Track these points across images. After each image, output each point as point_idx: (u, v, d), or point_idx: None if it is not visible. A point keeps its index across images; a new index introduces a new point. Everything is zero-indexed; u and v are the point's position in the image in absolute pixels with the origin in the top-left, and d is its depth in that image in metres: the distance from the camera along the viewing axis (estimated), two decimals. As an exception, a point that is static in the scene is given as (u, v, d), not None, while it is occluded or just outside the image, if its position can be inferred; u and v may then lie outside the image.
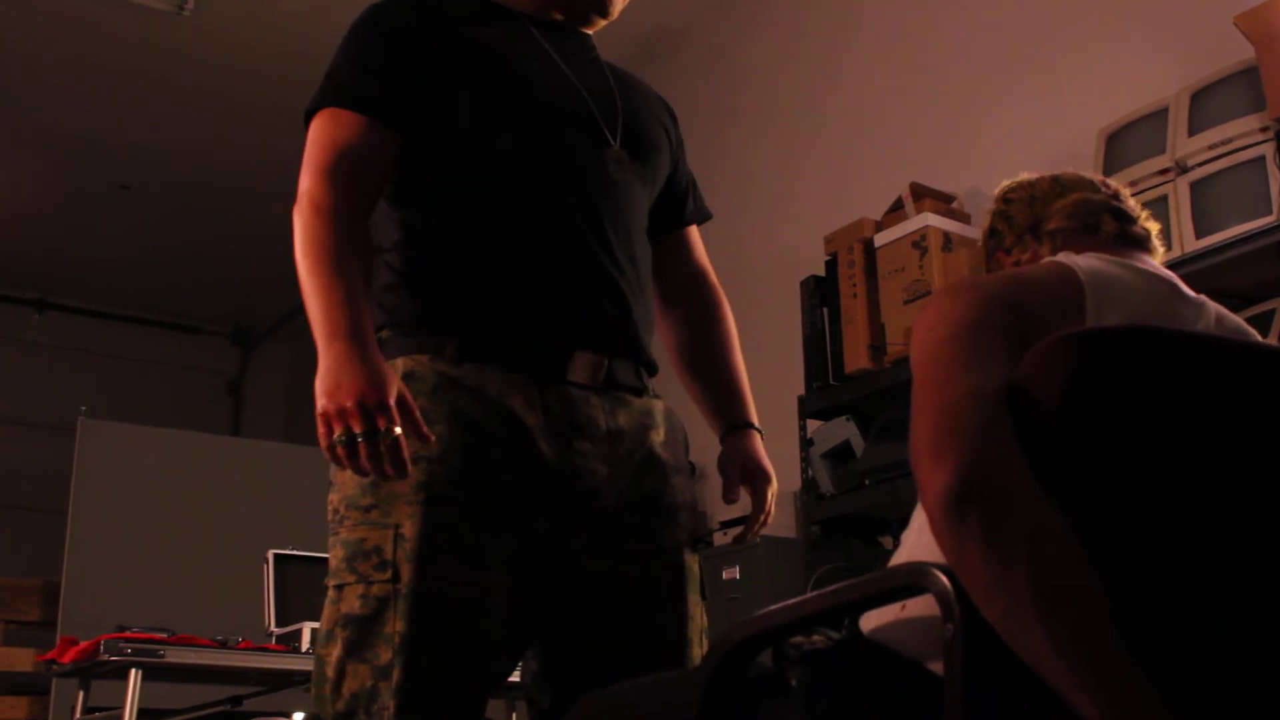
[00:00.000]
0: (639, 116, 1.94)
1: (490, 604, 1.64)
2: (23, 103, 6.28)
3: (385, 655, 1.60)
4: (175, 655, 3.34)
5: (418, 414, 1.58)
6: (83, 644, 3.44)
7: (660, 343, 1.99)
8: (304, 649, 3.52)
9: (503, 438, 1.69)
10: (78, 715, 3.70)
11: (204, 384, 9.31)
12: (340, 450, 1.54)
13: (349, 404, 1.53)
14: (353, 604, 1.64)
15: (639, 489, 1.78)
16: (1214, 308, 1.46)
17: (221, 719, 3.98)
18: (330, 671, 1.64)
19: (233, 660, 3.48)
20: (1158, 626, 1.16)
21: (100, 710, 3.65)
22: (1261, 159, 2.85)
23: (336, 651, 1.64)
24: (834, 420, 3.87)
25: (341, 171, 1.72)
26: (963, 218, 3.81)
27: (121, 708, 3.29)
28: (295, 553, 3.88)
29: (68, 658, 3.51)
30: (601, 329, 1.79)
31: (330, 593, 1.68)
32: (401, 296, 1.78)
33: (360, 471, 1.56)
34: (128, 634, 3.37)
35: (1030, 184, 1.68)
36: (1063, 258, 1.41)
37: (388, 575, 1.61)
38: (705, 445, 2.04)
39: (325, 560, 3.57)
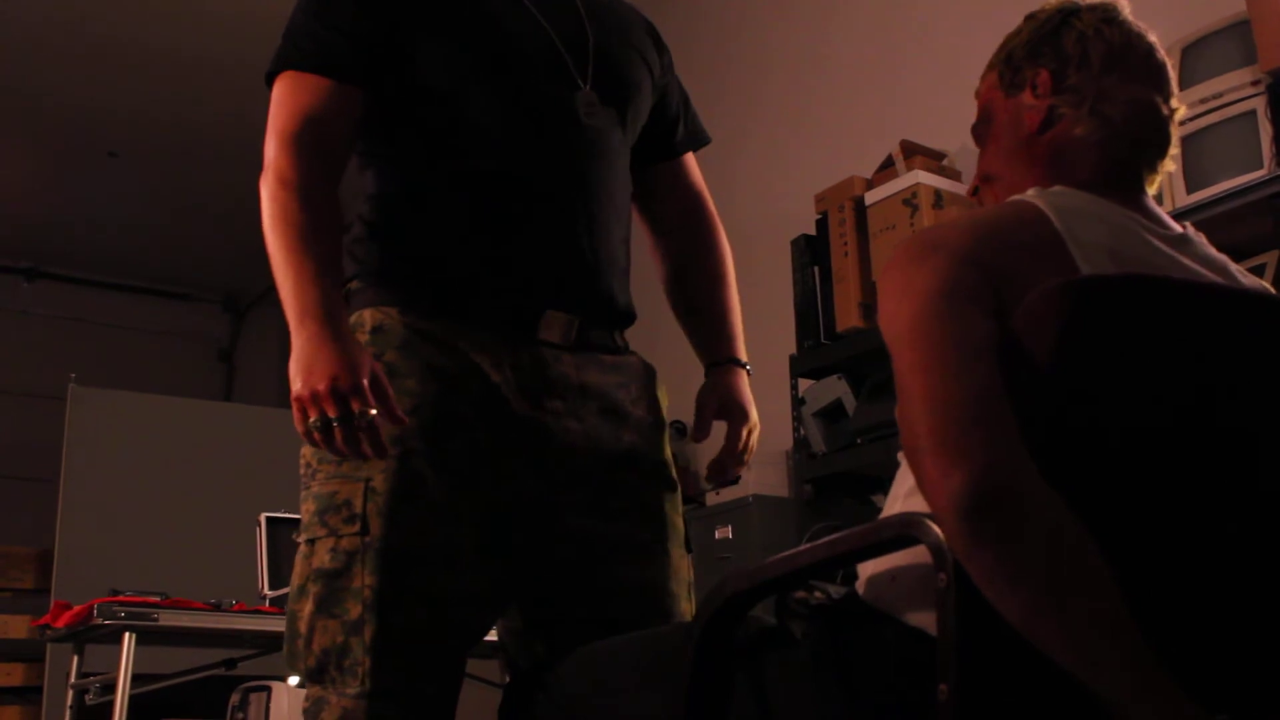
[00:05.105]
0: (613, 52, 1.89)
1: (465, 559, 1.63)
2: (8, 71, 6.23)
3: (355, 610, 1.59)
4: (169, 619, 3.35)
5: (392, 395, 1.57)
6: (77, 609, 3.45)
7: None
8: (298, 611, 3.52)
9: (474, 393, 1.67)
10: (72, 680, 3.71)
11: (196, 350, 9.29)
12: (316, 435, 1.53)
13: (322, 388, 1.52)
14: (323, 558, 1.63)
15: (617, 445, 1.77)
16: (1200, 240, 1.43)
17: (216, 682, 3.99)
18: (302, 627, 1.64)
19: (226, 623, 3.49)
20: (1164, 596, 1.16)
21: (95, 675, 3.66)
22: (1253, 113, 2.84)
23: (308, 607, 1.63)
24: (826, 379, 3.86)
25: (306, 140, 1.68)
26: (953, 175, 3.80)
27: (116, 672, 3.29)
28: (288, 515, 3.88)
29: (62, 622, 3.52)
30: (572, 287, 1.77)
31: (302, 547, 1.67)
32: (372, 249, 1.76)
33: (337, 454, 1.55)
34: (121, 598, 3.37)
35: (1106, 21, 1.46)
36: (1032, 196, 1.36)
37: (356, 529, 1.60)
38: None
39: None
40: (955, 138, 3.92)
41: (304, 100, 1.70)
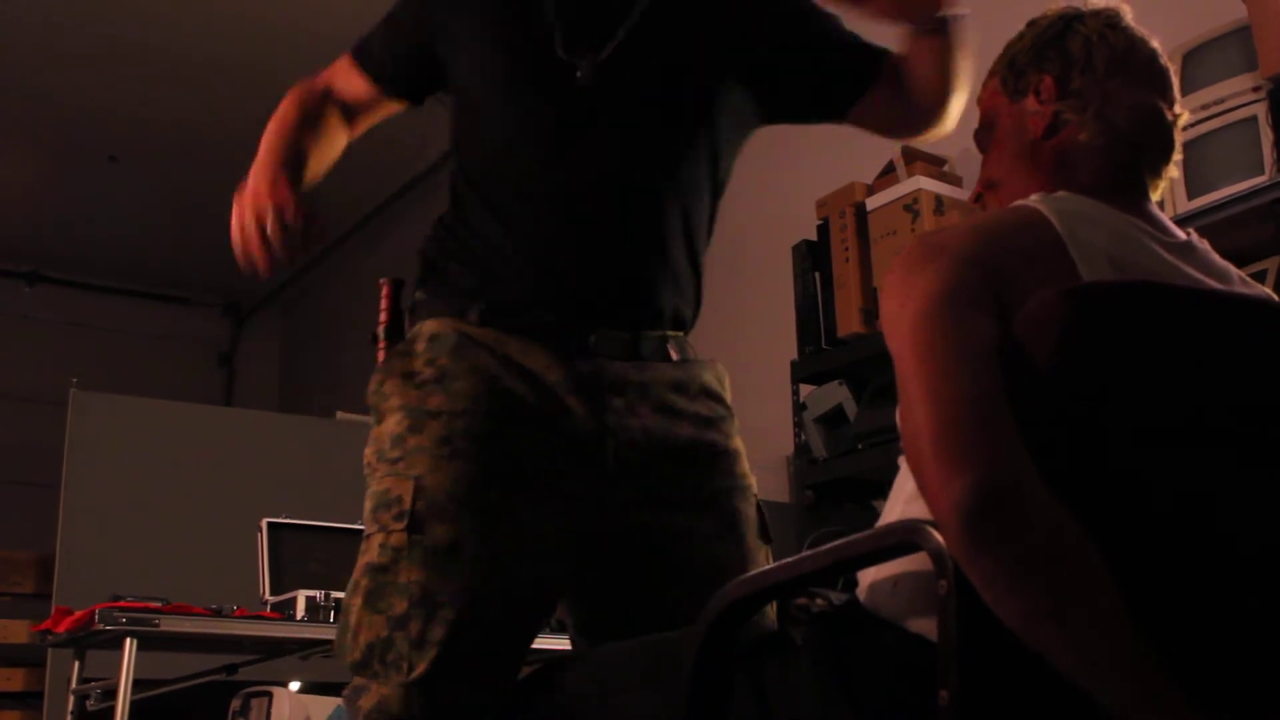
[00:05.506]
0: (656, 30, 1.81)
1: (516, 561, 1.63)
2: (8, 73, 6.24)
3: (400, 606, 1.60)
4: (170, 624, 3.34)
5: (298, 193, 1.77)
6: (78, 614, 3.44)
7: None
8: (299, 617, 3.53)
9: (525, 396, 1.68)
10: (73, 685, 3.71)
11: (196, 355, 9.31)
12: (255, 245, 1.75)
13: (252, 192, 1.77)
14: (373, 554, 1.65)
15: (676, 440, 1.75)
16: (1203, 248, 1.43)
17: (217, 687, 3.99)
18: (351, 620, 1.65)
19: (228, 629, 3.48)
20: (1165, 602, 1.16)
21: (96, 680, 3.65)
22: (1254, 119, 2.84)
23: (357, 600, 1.65)
24: (827, 384, 3.87)
25: (311, 82, 2.00)
26: (954, 180, 3.80)
27: (117, 677, 3.29)
28: (289, 521, 3.88)
29: (62, 628, 3.51)
30: (618, 304, 1.77)
31: (362, 544, 1.69)
32: (436, 262, 1.82)
33: (279, 254, 1.74)
34: (122, 603, 3.37)
35: (1110, 27, 1.46)
36: (1035, 200, 1.36)
37: (403, 525, 1.62)
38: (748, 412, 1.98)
39: (318, 529, 3.58)
40: (956, 143, 3.91)
41: (334, 65, 2.01)
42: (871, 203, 3.79)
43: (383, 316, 1.84)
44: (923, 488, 1.16)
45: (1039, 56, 1.48)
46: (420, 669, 1.58)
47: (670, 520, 1.74)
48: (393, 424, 1.70)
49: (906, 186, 3.68)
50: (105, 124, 6.78)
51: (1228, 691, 1.19)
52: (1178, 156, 1.48)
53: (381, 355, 1.80)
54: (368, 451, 1.74)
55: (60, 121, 6.78)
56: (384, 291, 1.86)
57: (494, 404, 1.68)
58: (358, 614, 1.64)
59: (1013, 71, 1.50)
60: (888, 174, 3.87)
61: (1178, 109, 1.48)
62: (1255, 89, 2.85)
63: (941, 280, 1.24)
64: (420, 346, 1.73)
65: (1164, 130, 1.46)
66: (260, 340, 9.48)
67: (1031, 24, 1.52)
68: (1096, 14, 1.48)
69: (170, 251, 8.50)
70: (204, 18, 5.80)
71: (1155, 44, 1.48)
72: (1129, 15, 1.49)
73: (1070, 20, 1.48)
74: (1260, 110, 2.83)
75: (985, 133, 1.54)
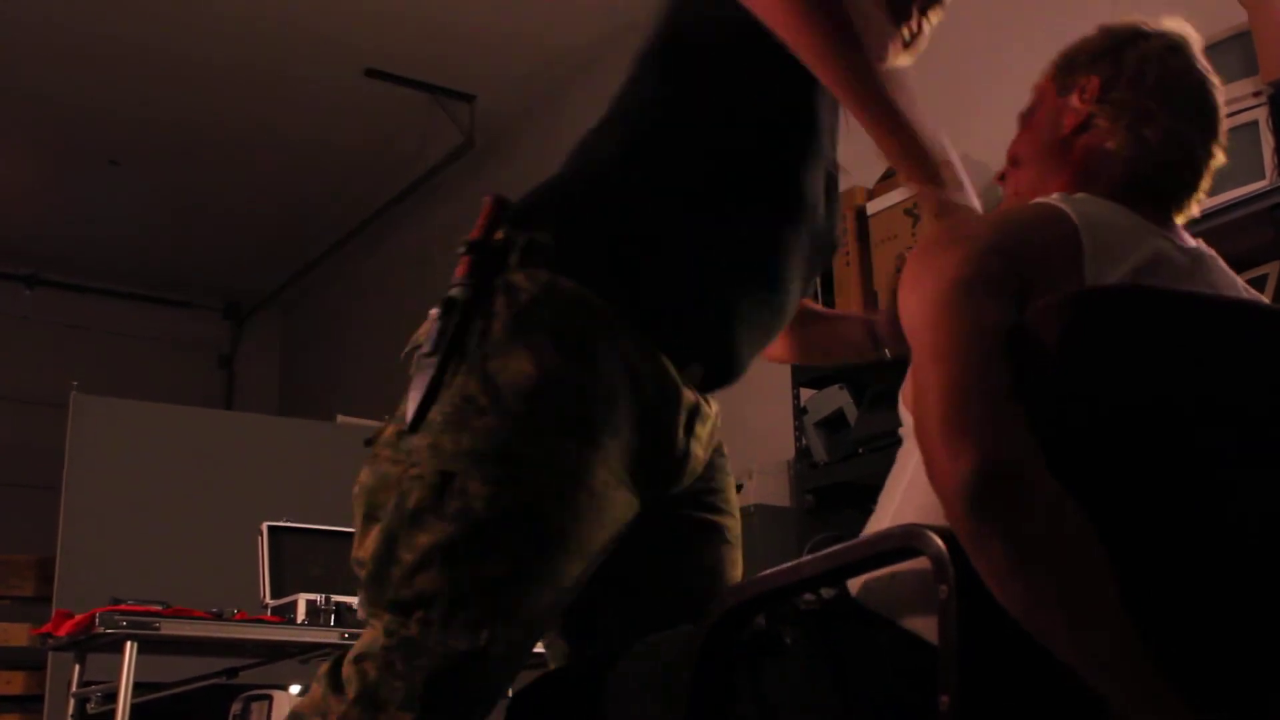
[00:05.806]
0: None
1: (596, 556, 1.60)
2: (8, 74, 6.24)
3: (493, 569, 1.52)
4: (170, 628, 3.35)
5: None
6: (78, 617, 3.45)
7: None
8: (299, 620, 3.53)
9: (650, 400, 1.63)
10: (74, 689, 3.71)
11: (196, 358, 9.31)
12: None
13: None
14: (469, 502, 1.53)
15: (719, 457, 1.84)
16: (1211, 255, 1.44)
17: (217, 691, 4.00)
18: (406, 556, 1.54)
19: (228, 632, 3.50)
20: (1162, 601, 1.16)
21: (96, 684, 3.66)
22: (1254, 124, 2.85)
23: (424, 539, 1.53)
24: (827, 388, 3.87)
25: None
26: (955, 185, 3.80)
27: (117, 680, 3.30)
28: (289, 525, 3.89)
29: (63, 631, 3.51)
30: (725, 354, 1.75)
31: (430, 477, 1.56)
32: (588, 216, 1.71)
33: None
34: (123, 607, 3.37)
35: (1171, 50, 1.48)
36: (1056, 199, 1.37)
37: (524, 492, 1.54)
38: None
39: (319, 533, 3.52)
40: (958, 148, 3.92)
41: None
42: (872, 207, 3.79)
43: (477, 232, 1.68)
44: (929, 466, 1.17)
45: (1096, 59, 1.50)
46: (502, 640, 1.51)
47: (702, 516, 1.78)
48: (519, 376, 1.56)
49: (907, 191, 3.67)
50: (105, 125, 6.78)
51: (1226, 690, 1.19)
52: (1202, 196, 1.48)
53: (463, 268, 1.65)
54: (470, 383, 1.58)
55: (60, 122, 6.78)
56: (485, 209, 1.69)
57: (630, 399, 1.61)
58: (422, 553, 1.52)
59: (1068, 66, 1.53)
60: (888, 178, 3.87)
61: (1216, 149, 1.48)
62: (1256, 94, 2.85)
63: (960, 266, 1.25)
64: (561, 305, 1.61)
65: (1194, 163, 1.46)
66: (260, 341, 9.48)
67: (1102, 28, 1.54)
68: (1163, 35, 1.49)
69: (170, 253, 8.50)
70: (204, 18, 5.80)
71: (1215, 81, 1.49)
72: (1197, 46, 1.49)
73: (1137, 35, 1.50)
74: (1261, 115, 2.83)
75: (1028, 112, 1.58)
